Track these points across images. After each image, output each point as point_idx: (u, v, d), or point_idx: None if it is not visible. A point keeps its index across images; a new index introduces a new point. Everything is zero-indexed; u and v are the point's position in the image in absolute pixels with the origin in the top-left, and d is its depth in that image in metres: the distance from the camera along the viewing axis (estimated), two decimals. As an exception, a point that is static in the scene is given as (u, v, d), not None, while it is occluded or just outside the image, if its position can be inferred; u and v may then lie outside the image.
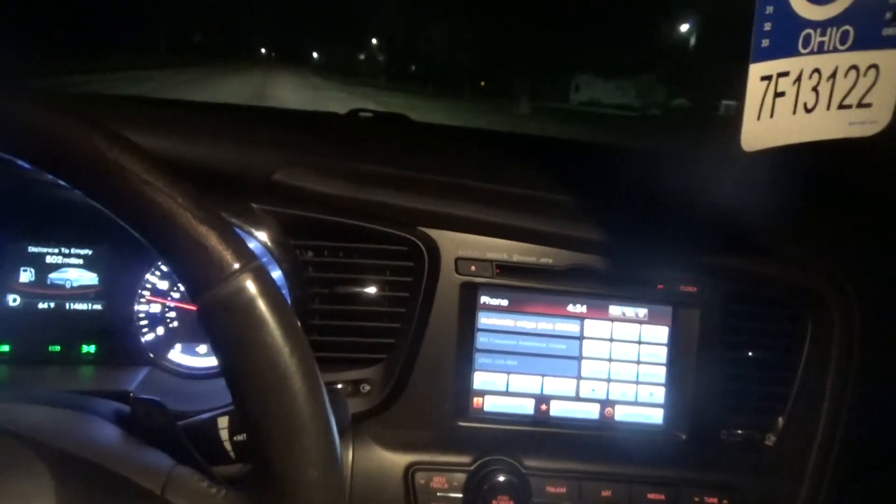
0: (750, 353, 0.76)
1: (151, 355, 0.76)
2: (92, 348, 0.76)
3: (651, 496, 0.71)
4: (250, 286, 0.38)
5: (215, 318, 0.38)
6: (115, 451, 0.43)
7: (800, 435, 0.76)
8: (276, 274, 0.71)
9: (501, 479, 0.67)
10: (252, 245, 0.69)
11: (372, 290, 0.71)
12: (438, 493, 0.68)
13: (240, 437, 0.51)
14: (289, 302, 0.41)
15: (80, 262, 0.76)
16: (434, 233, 0.72)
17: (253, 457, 0.40)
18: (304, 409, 0.38)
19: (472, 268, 0.72)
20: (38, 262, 0.76)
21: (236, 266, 0.38)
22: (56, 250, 0.76)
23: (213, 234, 0.39)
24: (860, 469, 0.78)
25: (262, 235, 0.69)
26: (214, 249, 0.38)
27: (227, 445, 0.51)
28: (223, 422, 0.52)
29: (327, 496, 0.38)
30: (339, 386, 0.70)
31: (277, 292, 0.40)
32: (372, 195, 0.70)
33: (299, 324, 0.40)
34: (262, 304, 0.38)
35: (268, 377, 0.38)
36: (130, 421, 0.48)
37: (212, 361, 0.79)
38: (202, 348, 0.79)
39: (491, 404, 0.74)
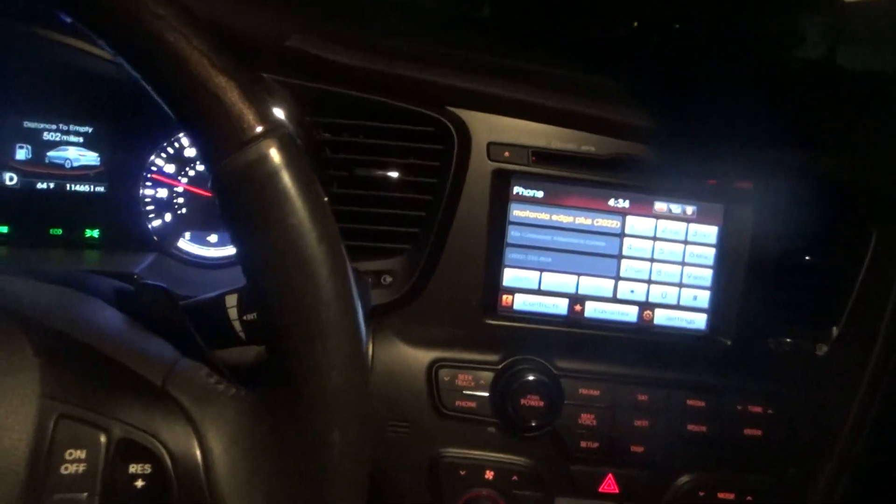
0: (807, 258, 0.70)
1: (158, 242, 0.71)
2: (95, 233, 0.71)
3: (690, 402, 0.66)
4: (275, 155, 0.32)
5: (232, 190, 0.32)
6: (114, 335, 0.38)
7: (854, 348, 0.70)
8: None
9: (531, 377, 0.63)
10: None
11: (395, 174, 0.65)
12: (464, 391, 0.64)
13: (250, 317, 0.46)
14: (311, 172, 0.34)
15: (80, 140, 0.71)
16: (465, 113, 0.64)
17: (268, 353, 0.34)
18: (331, 305, 0.32)
19: (506, 154, 0.65)
20: (35, 139, 0.70)
21: (259, 129, 0.32)
22: (54, 126, 0.70)
23: (234, 87, 0.32)
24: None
25: (276, 110, 0.62)
26: (235, 106, 0.32)
27: (237, 325, 0.46)
28: (231, 300, 0.46)
29: (350, 404, 0.33)
30: (360, 276, 0.64)
31: (306, 166, 0.33)
32: (396, 68, 0.62)
33: (326, 204, 0.34)
34: (287, 177, 0.32)
35: (290, 265, 0.32)
36: (134, 305, 0.43)
37: (224, 252, 0.74)
38: (213, 237, 0.74)
39: (521, 302, 0.68)
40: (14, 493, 0.29)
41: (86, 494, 0.31)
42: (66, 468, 0.31)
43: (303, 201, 0.31)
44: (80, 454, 0.31)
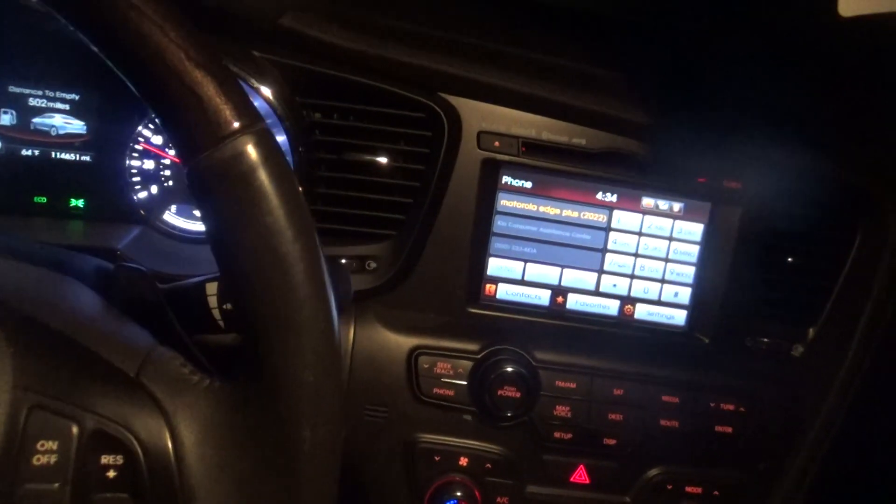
0: (790, 259, 0.70)
1: (144, 214, 0.71)
2: (80, 202, 0.70)
3: (665, 398, 0.67)
4: (251, 151, 0.31)
5: (208, 186, 0.32)
6: (89, 321, 0.38)
7: (830, 349, 0.71)
8: (281, 139, 0.64)
9: (510, 369, 0.63)
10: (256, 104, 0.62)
11: (384, 159, 0.64)
12: (443, 379, 0.64)
13: (229, 306, 0.46)
14: (294, 174, 0.34)
15: (67, 107, 0.69)
16: (456, 101, 0.64)
17: (243, 341, 0.34)
18: (305, 304, 0.32)
19: (496, 143, 0.65)
20: (20, 104, 0.69)
21: (236, 125, 0.31)
22: (40, 92, 0.69)
23: (210, 82, 0.31)
24: (888, 394, 0.74)
25: (266, 89, 0.61)
26: (211, 102, 0.31)
27: (216, 313, 0.46)
28: (212, 288, 0.47)
29: (322, 402, 0.33)
30: (343, 261, 0.64)
31: (283, 162, 0.33)
32: (390, 52, 0.62)
33: (306, 202, 0.34)
34: (264, 175, 0.31)
35: (264, 263, 0.32)
36: (112, 288, 0.43)
37: (209, 226, 0.74)
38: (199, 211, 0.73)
39: (504, 292, 0.69)
40: None
41: (57, 485, 0.31)
42: (38, 459, 0.31)
43: (279, 199, 0.31)
44: (52, 445, 0.31)
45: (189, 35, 0.31)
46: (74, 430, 0.32)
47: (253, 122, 0.32)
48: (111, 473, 0.33)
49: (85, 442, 0.32)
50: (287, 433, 0.32)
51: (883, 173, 0.68)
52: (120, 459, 0.33)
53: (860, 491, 0.77)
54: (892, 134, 0.70)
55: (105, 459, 0.32)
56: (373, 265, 0.65)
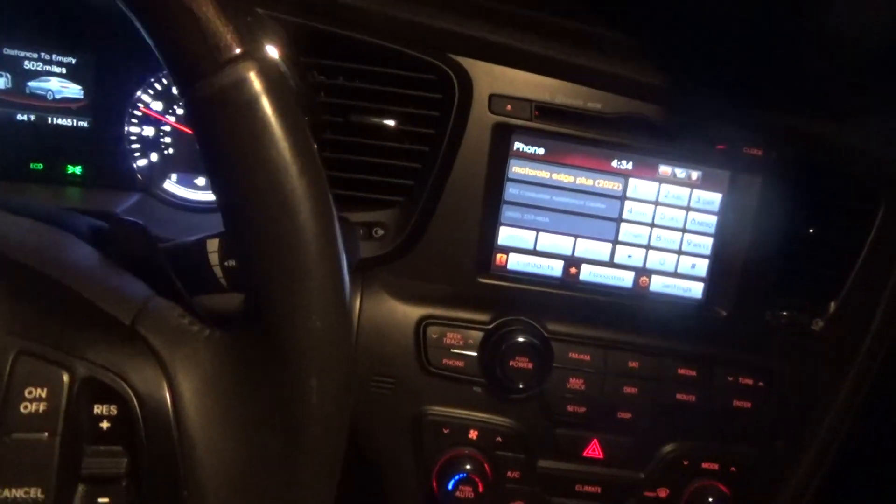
0: (811, 231, 0.68)
1: (143, 182, 0.69)
2: (78, 169, 0.68)
3: (681, 371, 0.65)
4: (254, 79, 0.29)
5: (206, 117, 0.30)
6: (84, 271, 0.36)
7: (852, 324, 0.69)
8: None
9: (521, 339, 0.61)
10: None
11: (391, 122, 0.62)
12: (452, 350, 0.62)
13: (231, 262, 0.44)
14: (293, 100, 0.31)
15: (63, 70, 0.67)
16: (467, 62, 0.61)
17: (245, 292, 0.32)
18: (311, 245, 0.30)
19: (508, 107, 0.62)
20: (14, 67, 0.67)
21: (237, 51, 0.29)
22: (35, 55, 0.67)
23: (210, 2, 0.29)
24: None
25: (269, 47, 0.59)
26: (210, 23, 0.29)
27: (218, 271, 0.44)
28: (213, 244, 0.44)
29: (330, 350, 0.31)
30: (350, 225, 0.62)
31: (288, 93, 0.31)
32: (399, 11, 0.59)
33: (309, 136, 0.32)
34: (267, 105, 0.29)
35: (268, 200, 0.30)
36: (109, 242, 0.41)
37: (211, 195, 0.71)
38: (201, 180, 0.71)
39: (516, 262, 0.66)
40: None
41: (46, 434, 0.29)
42: (26, 407, 0.29)
43: (284, 132, 0.29)
44: (41, 392, 0.29)
45: None
46: (65, 377, 0.30)
47: (255, 48, 0.29)
48: (104, 424, 0.31)
49: (76, 390, 0.30)
50: (292, 382, 0.30)
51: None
52: (114, 410, 0.31)
53: (880, 472, 0.75)
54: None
55: (98, 409, 0.30)
56: (380, 232, 0.63)
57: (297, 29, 0.60)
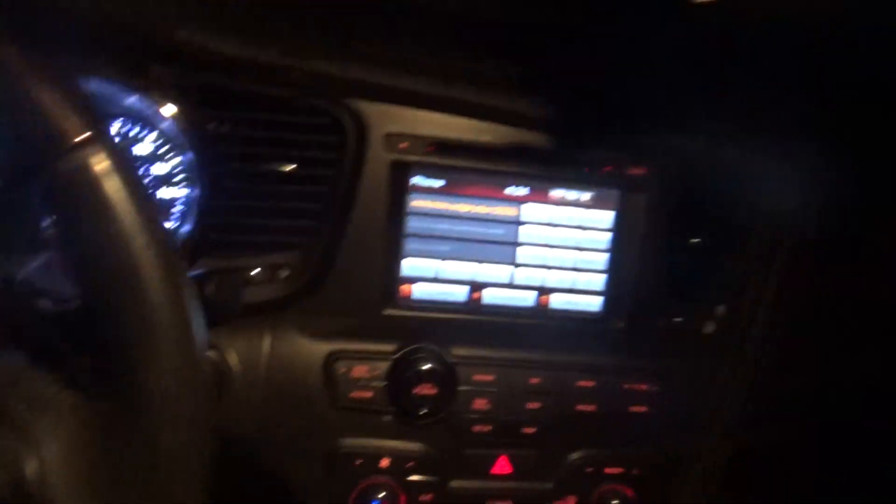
0: (695, 240, 0.73)
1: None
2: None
3: (580, 383, 0.69)
4: (97, 160, 0.31)
5: (56, 198, 0.32)
6: None
7: (739, 325, 0.74)
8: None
9: (426, 366, 0.64)
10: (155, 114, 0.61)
11: (290, 167, 0.64)
12: (360, 383, 0.65)
13: None
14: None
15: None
16: (361, 104, 0.64)
17: (105, 359, 0.34)
18: (158, 310, 0.32)
19: (403, 145, 0.65)
20: None
21: (80, 136, 0.31)
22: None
23: (51, 90, 0.31)
24: (796, 362, 0.78)
25: (166, 105, 0.60)
26: (55, 110, 0.31)
27: None
28: None
29: (183, 409, 0.33)
30: (255, 272, 0.64)
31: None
32: (293, 61, 0.61)
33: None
34: (111, 184, 0.32)
35: (116, 270, 0.32)
36: None
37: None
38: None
39: (420, 291, 0.70)
40: None
41: None
42: None
43: (128, 208, 0.32)
44: None
45: (26, 42, 0.31)
46: None
47: (98, 132, 0.32)
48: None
49: None
50: (144, 441, 0.32)
51: (773, 151, 0.71)
52: None
53: (776, 467, 0.81)
54: (766, 114, 0.72)
55: None
56: (285, 273, 0.65)
57: (195, 85, 0.61)
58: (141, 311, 0.32)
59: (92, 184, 0.31)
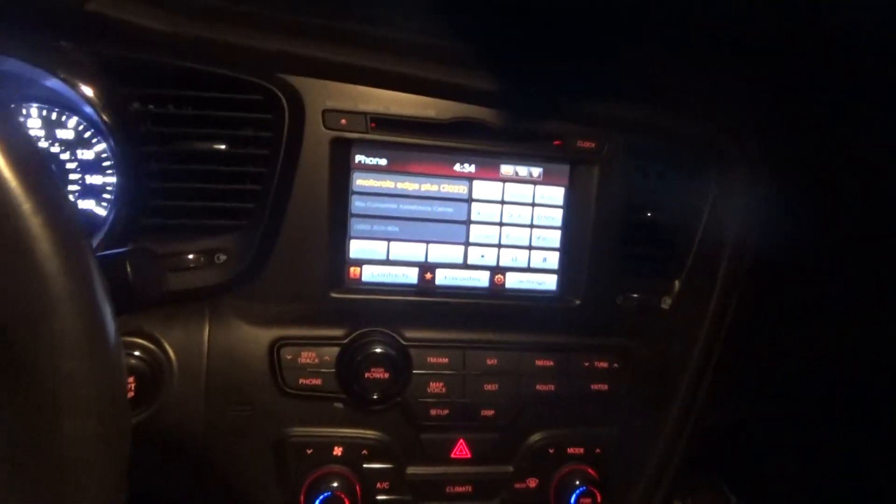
0: (649, 214, 0.72)
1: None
2: None
3: (539, 363, 0.67)
4: None
5: None
6: None
7: (695, 299, 0.73)
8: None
9: (377, 350, 0.62)
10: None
11: (223, 146, 0.61)
12: (308, 369, 0.62)
13: None
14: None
15: None
16: (296, 80, 0.61)
17: None
18: (51, 285, 0.29)
19: (343, 121, 0.63)
20: None
21: None
22: None
23: None
24: (755, 334, 0.77)
25: (80, 82, 0.57)
26: None
27: None
28: None
29: (83, 390, 0.30)
30: (190, 256, 0.61)
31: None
32: (219, 34, 0.58)
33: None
34: None
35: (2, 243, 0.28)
36: None
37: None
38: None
39: (370, 274, 0.67)
40: None
41: None
42: None
43: (11, 172, 0.28)
44: None
45: None
46: None
47: None
48: None
49: None
50: (44, 427, 0.29)
51: (727, 124, 0.71)
52: None
53: (740, 441, 0.80)
54: (733, 85, 0.72)
55: None
56: (222, 258, 0.62)
57: (111, 60, 0.58)
58: (28, 280, 0.29)
59: None
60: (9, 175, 0.28)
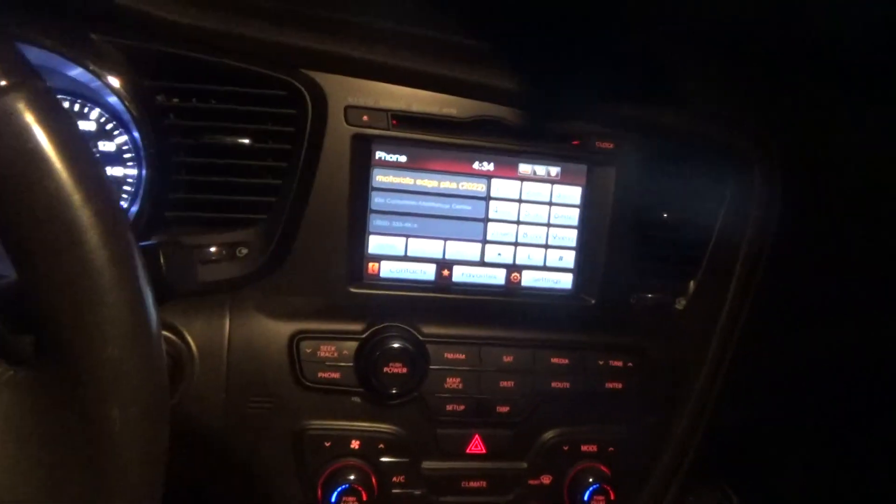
0: (665, 215, 0.72)
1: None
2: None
3: (555, 360, 0.67)
4: (23, 111, 0.29)
5: None
6: None
7: (710, 300, 0.74)
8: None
9: (396, 345, 0.62)
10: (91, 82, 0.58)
11: (246, 141, 0.62)
12: (327, 363, 0.62)
13: None
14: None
15: None
16: (319, 76, 0.62)
17: (41, 330, 0.31)
18: (101, 274, 0.29)
19: (365, 118, 0.63)
20: None
21: (2, 83, 0.28)
22: None
23: None
24: (769, 335, 0.77)
25: (109, 74, 0.57)
26: None
27: None
28: None
29: (130, 378, 0.30)
30: (213, 249, 0.61)
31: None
32: (245, 29, 0.59)
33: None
34: (40, 136, 0.29)
35: (50, 231, 0.29)
36: None
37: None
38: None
39: (388, 270, 0.67)
40: None
41: None
42: None
43: (61, 162, 0.29)
44: None
45: None
46: None
47: (24, 78, 0.29)
48: None
49: None
50: (91, 415, 0.29)
51: (744, 126, 0.71)
52: None
53: (748, 442, 0.80)
54: (750, 87, 0.72)
55: None
56: (244, 251, 0.62)
57: (138, 53, 0.59)
58: (79, 268, 0.29)
59: (18, 134, 0.28)
60: (60, 167, 0.28)
